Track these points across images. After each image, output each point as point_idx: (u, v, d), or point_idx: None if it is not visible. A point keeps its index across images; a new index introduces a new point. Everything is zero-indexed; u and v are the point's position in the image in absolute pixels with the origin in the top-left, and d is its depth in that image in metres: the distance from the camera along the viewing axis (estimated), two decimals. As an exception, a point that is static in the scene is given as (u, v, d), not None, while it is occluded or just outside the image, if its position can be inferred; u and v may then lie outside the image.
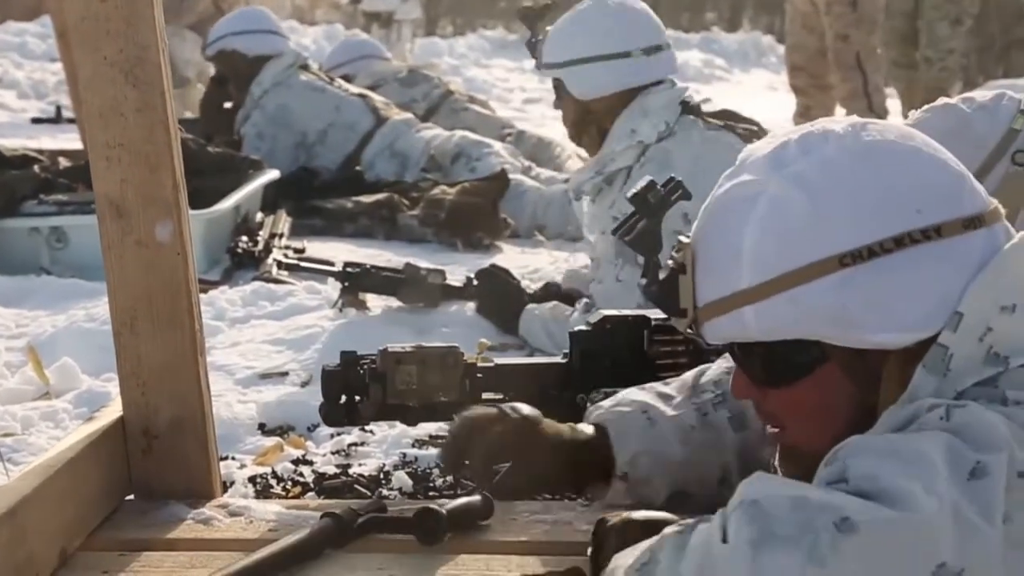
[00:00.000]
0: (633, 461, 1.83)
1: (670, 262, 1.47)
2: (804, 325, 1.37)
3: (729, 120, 3.53)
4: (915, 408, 1.33)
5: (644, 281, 1.54)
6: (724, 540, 1.24)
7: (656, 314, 2.25)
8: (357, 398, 2.21)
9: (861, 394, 1.40)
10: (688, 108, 3.48)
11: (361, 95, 6.02)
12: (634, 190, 1.85)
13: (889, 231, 1.34)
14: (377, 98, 6.08)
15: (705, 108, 3.55)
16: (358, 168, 5.65)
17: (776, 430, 1.50)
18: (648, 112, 3.43)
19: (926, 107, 2.21)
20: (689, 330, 1.46)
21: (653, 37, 3.48)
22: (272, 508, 2.07)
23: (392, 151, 5.81)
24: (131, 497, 2.11)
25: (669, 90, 3.48)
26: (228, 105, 6.15)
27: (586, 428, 1.88)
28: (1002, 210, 1.43)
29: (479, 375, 2.22)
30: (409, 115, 6.08)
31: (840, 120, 1.45)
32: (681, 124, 3.45)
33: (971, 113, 2.14)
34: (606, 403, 1.91)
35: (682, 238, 1.47)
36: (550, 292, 3.74)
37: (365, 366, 2.20)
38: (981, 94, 2.21)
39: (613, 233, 2.02)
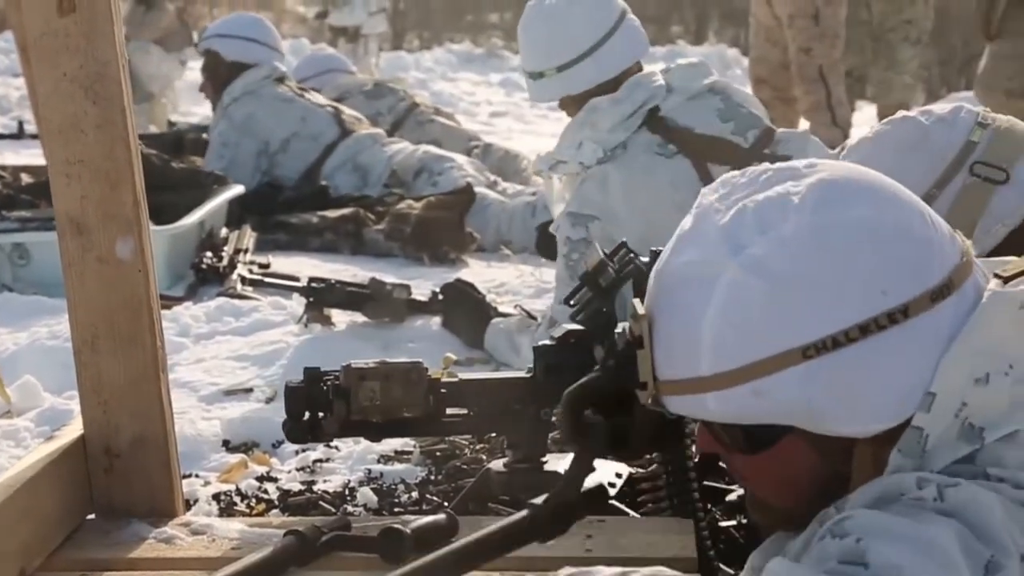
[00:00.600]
0: None
1: (624, 331, 1.40)
2: (768, 415, 1.31)
3: (692, 141, 3.39)
4: (899, 481, 1.29)
5: (603, 355, 1.45)
6: None
7: (622, 327, 2.25)
8: (321, 414, 2.20)
9: (827, 465, 1.35)
10: (652, 120, 3.38)
11: (333, 108, 6.01)
12: (585, 269, 1.81)
13: (853, 318, 1.27)
14: (348, 111, 6.07)
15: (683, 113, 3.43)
16: (324, 183, 5.64)
17: (747, 490, 1.47)
18: (596, 127, 3.35)
19: (886, 120, 2.22)
20: (650, 403, 1.38)
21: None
22: (235, 526, 2.06)
23: (354, 164, 5.80)
24: (92, 516, 2.10)
25: (617, 107, 3.36)
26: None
27: None
28: (972, 255, 1.36)
29: (443, 390, 2.21)
30: (377, 130, 6.07)
31: (802, 177, 1.34)
32: (633, 143, 3.35)
33: (929, 125, 2.15)
34: None
35: (638, 307, 1.38)
36: None
37: (329, 382, 2.19)
38: (940, 107, 2.22)
39: (564, 302, 1.98)
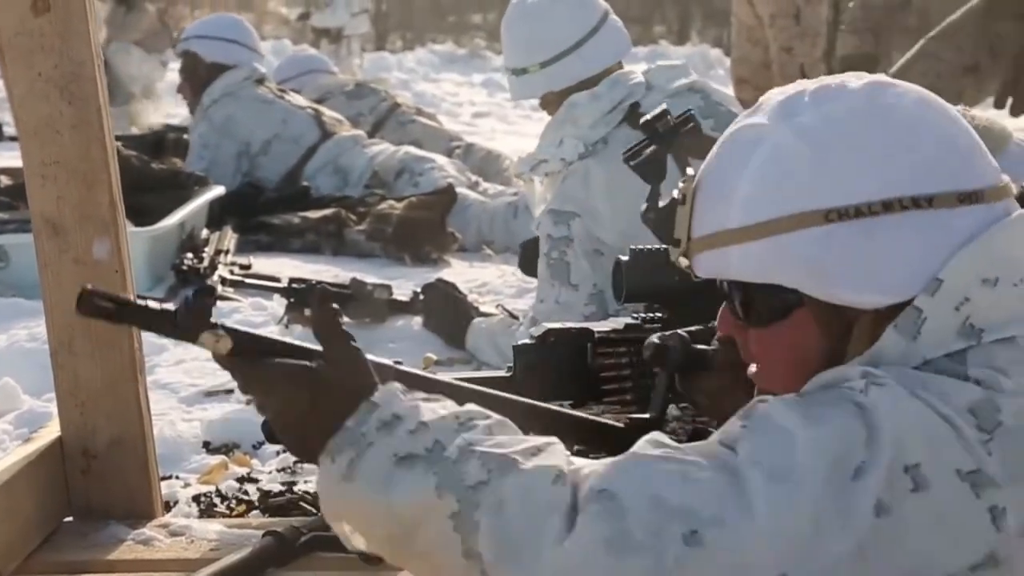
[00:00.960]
0: None
1: (675, 192, 1.49)
2: (783, 272, 1.38)
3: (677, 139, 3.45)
4: (846, 371, 1.34)
5: (645, 207, 1.56)
6: (569, 528, 1.23)
7: (600, 327, 2.25)
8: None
9: (830, 345, 1.41)
10: (632, 116, 3.35)
11: (313, 110, 5.99)
12: (647, 117, 1.84)
13: (880, 194, 1.34)
14: (329, 113, 6.06)
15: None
16: (305, 184, 5.63)
17: (755, 371, 1.51)
18: (577, 123, 3.36)
19: None
20: (683, 259, 1.47)
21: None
22: (213, 527, 2.05)
23: (335, 166, 5.79)
24: (70, 519, 2.09)
25: (597, 102, 3.37)
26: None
27: None
28: (1013, 188, 1.43)
29: (422, 391, 2.20)
30: (359, 132, 6.06)
31: (864, 76, 1.44)
32: (613, 139, 3.35)
33: None
34: None
35: (690, 171, 1.49)
36: None
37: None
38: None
39: (625, 160, 1.97)
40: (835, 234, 1.35)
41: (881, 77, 1.45)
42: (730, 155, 1.43)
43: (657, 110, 1.73)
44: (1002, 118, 2.23)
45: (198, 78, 5.95)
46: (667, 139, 1.75)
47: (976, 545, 1.27)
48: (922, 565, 1.26)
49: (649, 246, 2.32)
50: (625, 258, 2.29)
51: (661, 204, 1.52)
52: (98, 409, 2.07)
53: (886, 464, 1.25)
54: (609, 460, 1.30)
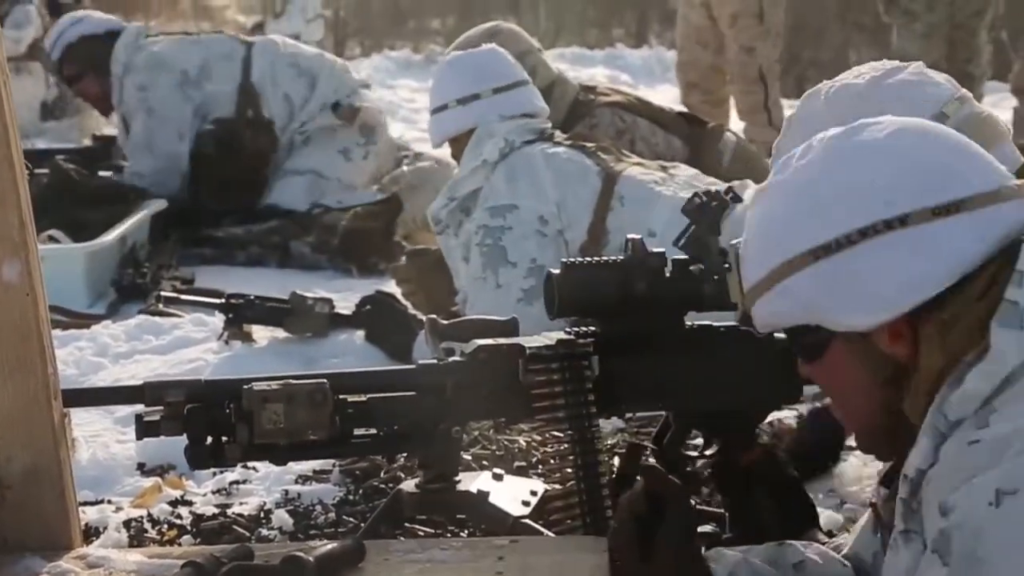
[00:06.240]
0: None
1: (726, 265, 1.78)
2: (794, 315, 1.54)
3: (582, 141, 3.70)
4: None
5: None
6: None
7: (531, 342, 2.20)
8: (224, 438, 2.13)
9: (872, 374, 1.52)
10: (542, 137, 3.63)
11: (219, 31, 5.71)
12: (687, 204, 2.12)
13: (856, 224, 1.46)
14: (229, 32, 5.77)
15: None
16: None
17: (832, 405, 1.66)
18: (493, 134, 3.55)
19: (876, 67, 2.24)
20: (742, 317, 1.71)
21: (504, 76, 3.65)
22: (133, 558, 1.98)
23: (299, 70, 5.52)
24: (-17, 552, 2.01)
25: (518, 119, 3.61)
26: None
27: None
28: (1019, 189, 1.49)
29: (350, 411, 2.14)
30: (275, 37, 5.89)
31: (867, 121, 1.54)
32: (526, 144, 3.59)
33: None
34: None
35: (734, 242, 1.71)
36: None
37: (231, 405, 2.12)
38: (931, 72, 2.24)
39: (675, 244, 2.16)
40: (820, 271, 1.48)
41: (866, 119, 1.55)
42: (749, 221, 1.60)
43: (697, 200, 2.11)
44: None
45: (101, 58, 5.48)
46: (712, 219, 2.10)
47: None
48: None
49: (581, 259, 2.27)
50: (557, 271, 2.25)
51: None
52: (12, 438, 1.99)
53: None
54: None
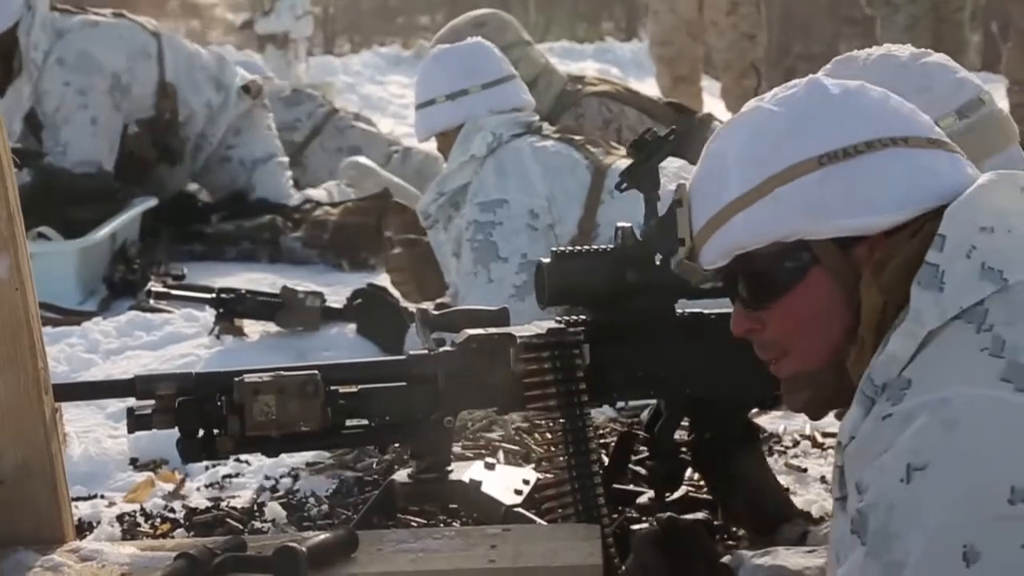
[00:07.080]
0: None
1: (671, 197, 1.63)
2: (788, 222, 1.52)
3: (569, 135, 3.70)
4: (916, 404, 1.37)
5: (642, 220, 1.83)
6: None
7: (522, 331, 2.20)
8: (215, 431, 2.13)
9: (848, 298, 1.52)
10: (530, 130, 3.63)
11: (125, 17, 5.35)
12: (634, 139, 2.09)
13: (862, 137, 1.52)
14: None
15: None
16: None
17: (777, 362, 1.60)
18: (482, 128, 3.54)
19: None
20: (687, 261, 1.60)
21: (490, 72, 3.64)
22: (126, 551, 1.99)
23: (207, 73, 5.39)
24: (-24, 547, 2.01)
25: (507, 114, 3.60)
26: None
27: None
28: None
29: (341, 401, 2.15)
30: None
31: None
32: (514, 138, 3.57)
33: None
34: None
35: (681, 181, 1.63)
36: None
37: (223, 397, 2.12)
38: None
39: (617, 187, 2.19)
40: (828, 175, 1.51)
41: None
42: (717, 148, 1.59)
43: (642, 130, 2.08)
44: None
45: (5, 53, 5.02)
46: (655, 152, 2.06)
47: None
48: None
49: (572, 248, 2.27)
50: (547, 260, 2.25)
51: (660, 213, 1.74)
52: (3, 433, 2.00)
53: None
54: None
